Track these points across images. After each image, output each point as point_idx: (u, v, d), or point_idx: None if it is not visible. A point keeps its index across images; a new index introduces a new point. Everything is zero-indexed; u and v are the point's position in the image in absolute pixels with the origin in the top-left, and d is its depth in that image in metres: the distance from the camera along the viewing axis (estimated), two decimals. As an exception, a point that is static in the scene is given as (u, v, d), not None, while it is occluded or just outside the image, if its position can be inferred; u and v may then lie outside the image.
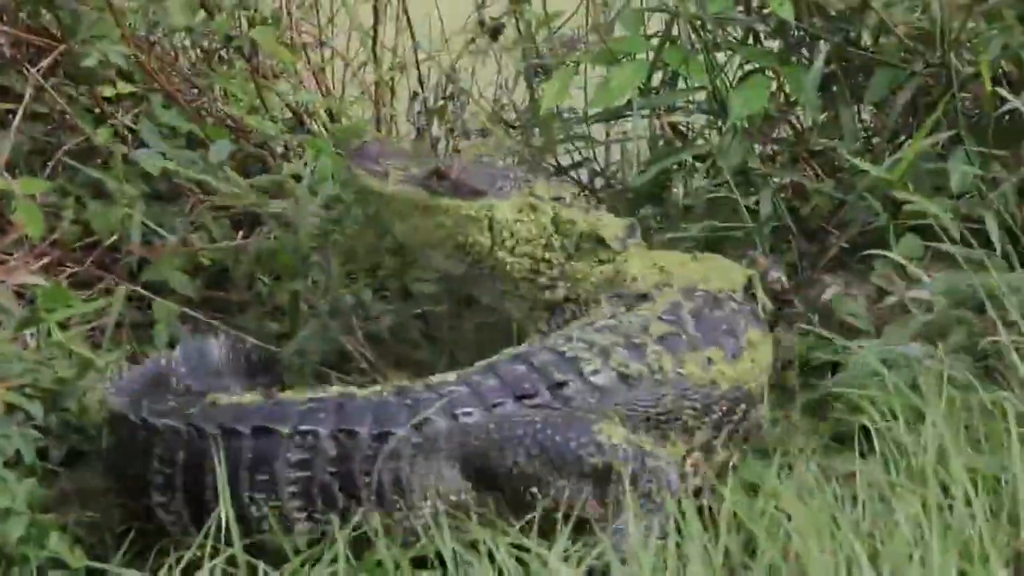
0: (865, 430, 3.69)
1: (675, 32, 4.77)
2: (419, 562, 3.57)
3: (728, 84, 4.85)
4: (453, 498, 3.64)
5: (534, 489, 3.62)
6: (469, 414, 3.66)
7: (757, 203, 4.68)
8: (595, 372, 3.77)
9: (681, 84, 4.90)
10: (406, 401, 3.67)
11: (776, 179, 4.77)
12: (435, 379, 3.77)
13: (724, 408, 3.91)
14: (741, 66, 4.93)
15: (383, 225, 4.42)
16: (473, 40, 5.23)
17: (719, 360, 3.91)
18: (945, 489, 3.38)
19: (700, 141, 4.99)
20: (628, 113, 4.88)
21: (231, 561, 3.51)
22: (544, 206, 4.20)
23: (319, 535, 3.61)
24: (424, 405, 3.65)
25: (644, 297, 4.05)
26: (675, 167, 4.82)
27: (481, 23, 5.19)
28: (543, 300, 4.23)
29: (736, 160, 4.67)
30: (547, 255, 4.20)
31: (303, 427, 3.63)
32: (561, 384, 3.73)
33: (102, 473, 3.96)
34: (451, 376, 3.77)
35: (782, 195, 4.82)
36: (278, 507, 3.62)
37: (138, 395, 3.88)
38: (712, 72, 4.73)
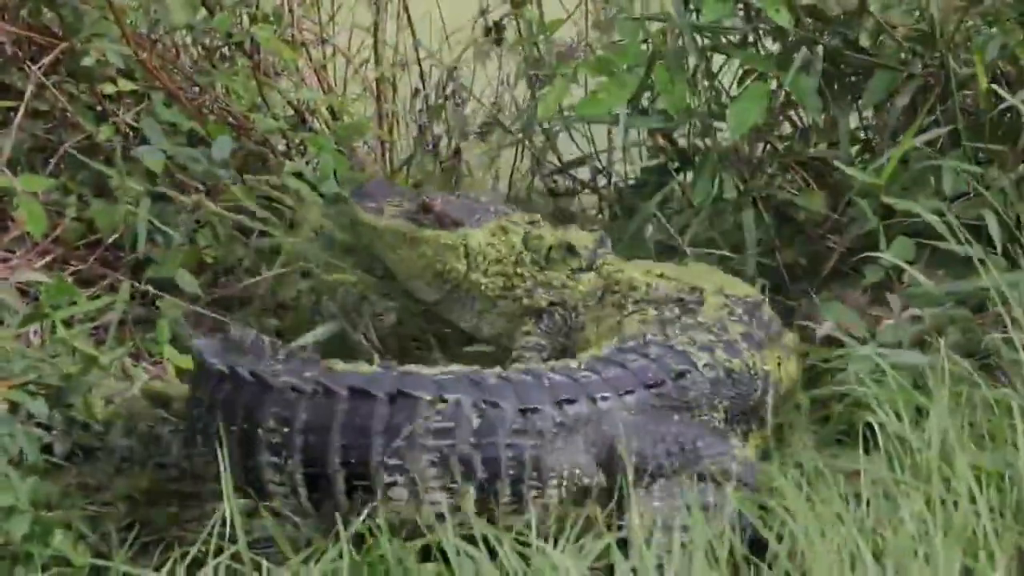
0: (869, 427, 3.69)
1: (669, 39, 4.75)
2: (423, 558, 3.56)
3: (724, 90, 4.86)
4: (586, 480, 3.62)
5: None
6: (606, 399, 3.65)
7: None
8: (706, 365, 3.81)
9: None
10: (545, 380, 3.65)
11: (769, 188, 4.79)
12: (558, 363, 3.78)
13: (782, 407, 3.97)
14: (741, 67, 4.93)
15: (376, 257, 4.57)
16: (475, 41, 5.26)
17: (784, 360, 4.00)
18: (949, 485, 3.39)
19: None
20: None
21: (235, 558, 3.49)
22: (516, 228, 4.37)
23: (450, 507, 3.55)
24: (562, 386, 3.64)
25: (681, 301, 4.07)
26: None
27: (488, 30, 5.25)
28: (524, 307, 4.33)
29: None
30: (519, 270, 4.33)
31: (448, 395, 3.56)
32: (682, 374, 3.76)
33: (135, 449, 3.97)
34: (572, 363, 3.77)
35: (773, 203, 4.83)
36: (413, 475, 3.53)
37: (233, 356, 3.67)
38: (696, 88, 4.73)
